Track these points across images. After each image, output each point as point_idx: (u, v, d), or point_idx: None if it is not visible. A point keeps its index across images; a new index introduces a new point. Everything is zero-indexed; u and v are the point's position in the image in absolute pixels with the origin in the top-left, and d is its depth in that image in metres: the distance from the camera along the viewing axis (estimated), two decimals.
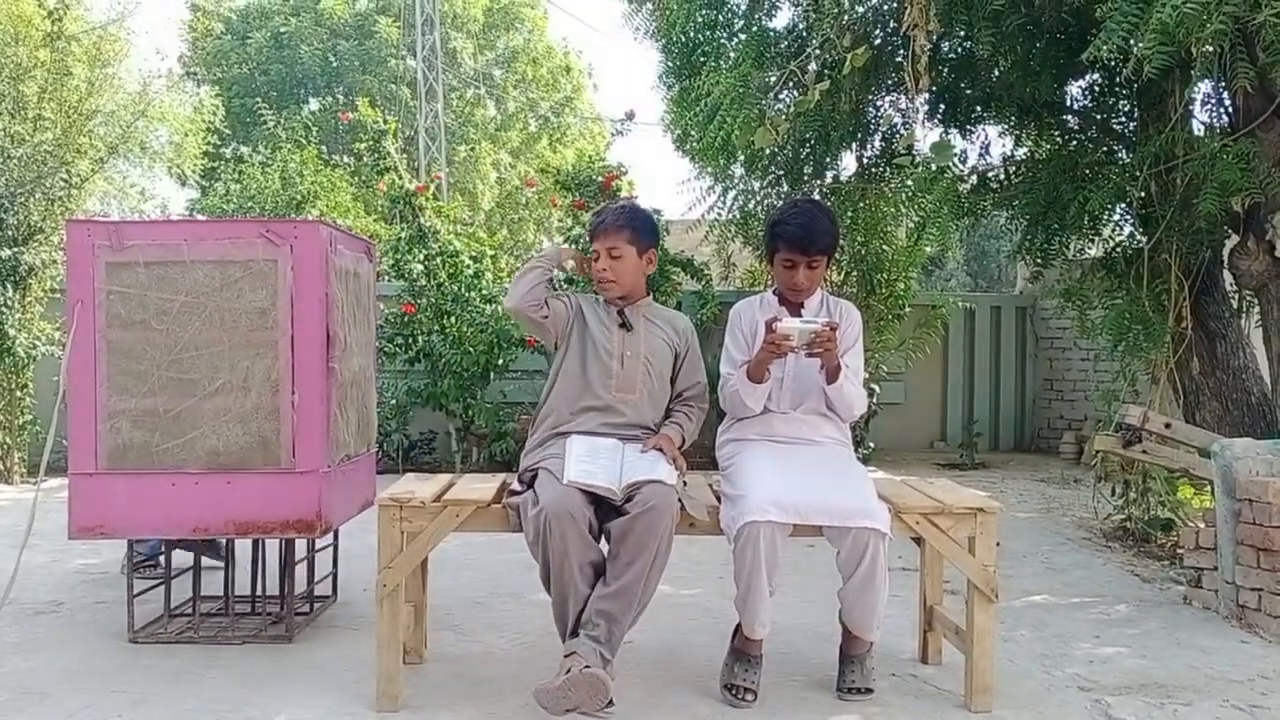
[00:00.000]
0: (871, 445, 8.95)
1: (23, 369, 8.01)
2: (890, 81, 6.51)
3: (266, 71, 22.47)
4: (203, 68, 21.86)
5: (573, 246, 3.29)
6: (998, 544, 3.17)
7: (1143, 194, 5.63)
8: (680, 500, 3.06)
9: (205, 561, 4.23)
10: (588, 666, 2.78)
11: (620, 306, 3.41)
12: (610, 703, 2.82)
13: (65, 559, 5.05)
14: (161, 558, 4.00)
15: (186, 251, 3.55)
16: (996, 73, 6.09)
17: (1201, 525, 4.41)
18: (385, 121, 8.88)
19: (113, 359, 3.54)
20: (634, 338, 3.34)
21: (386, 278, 8.82)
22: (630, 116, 10.09)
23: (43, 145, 7.83)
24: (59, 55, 7.97)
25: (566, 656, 2.86)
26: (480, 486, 3.36)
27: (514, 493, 3.18)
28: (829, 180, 7.50)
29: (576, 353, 3.37)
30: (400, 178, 8.64)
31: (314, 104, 22.86)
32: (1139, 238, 6.17)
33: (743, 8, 6.57)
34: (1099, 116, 6.49)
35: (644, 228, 3.38)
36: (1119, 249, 6.38)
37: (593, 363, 3.32)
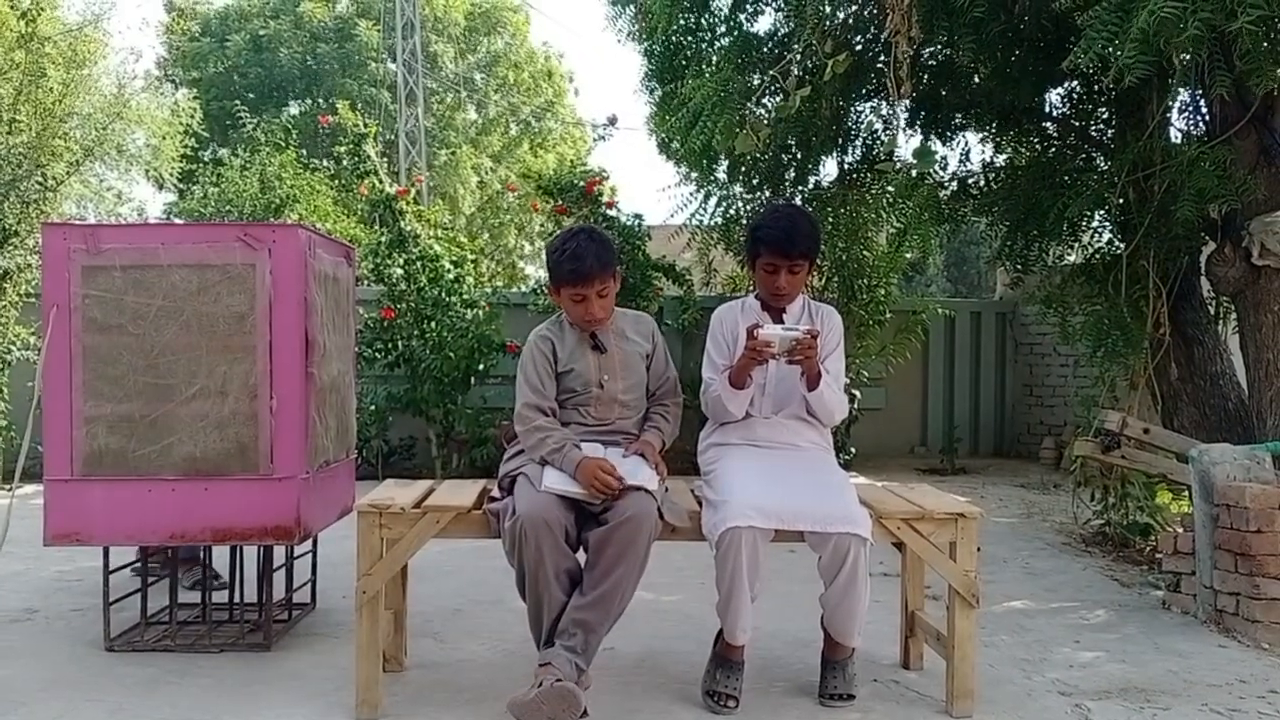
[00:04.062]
0: (853, 450, 8.97)
1: None
2: (871, 88, 6.54)
3: (245, 74, 22.33)
4: (181, 70, 21.73)
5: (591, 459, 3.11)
6: (978, 549, 3.18)
7: (1121, 201, 5.66)
8: (660, 508, 3.05)
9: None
10: (559, 680, 2.77)
11: (591, 330, 3.30)
12: (584, 713, 2.81)
13: (40, 566, 4.99)
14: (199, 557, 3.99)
15: (163, 255, 3.52)
16: (977, 80, 6.12)
17: (1180, 530, 4.44)
18: (365, 125, 8.84)
19: (88, 364, 3.51)
20: (609, 359, 3.29)
21: (366, 282, 8.78)
22: (613, 121, 10.15)
23: (17, 148, 7.75)
24: (34, 57, 7.89)
25: (541, 666, 2.86)
26: (460, 493, 3.34)
27: (494, 499, 3.17)
28: (810, 186, 7.52)
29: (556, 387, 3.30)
30: (380, 181, 8.60)
31: (293, 107, 22.73)
32: (1117, 244, 6.21)
33: (724, 12, 6.58)
34: (1078, 124, 6.53)
35: (614, 256, 3.27)
36: (1098, 255, 6.42)
37: (571, 396, 3.27)
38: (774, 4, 6.54)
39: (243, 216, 11.32)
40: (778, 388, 3.35)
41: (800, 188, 7.46)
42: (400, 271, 8.34)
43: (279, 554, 4.04)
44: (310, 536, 3.84)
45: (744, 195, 7.78)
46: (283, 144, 12.93)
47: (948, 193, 6.95)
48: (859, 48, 6.04)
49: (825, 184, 7.58)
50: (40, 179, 7.86)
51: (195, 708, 3.12)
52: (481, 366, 8.32)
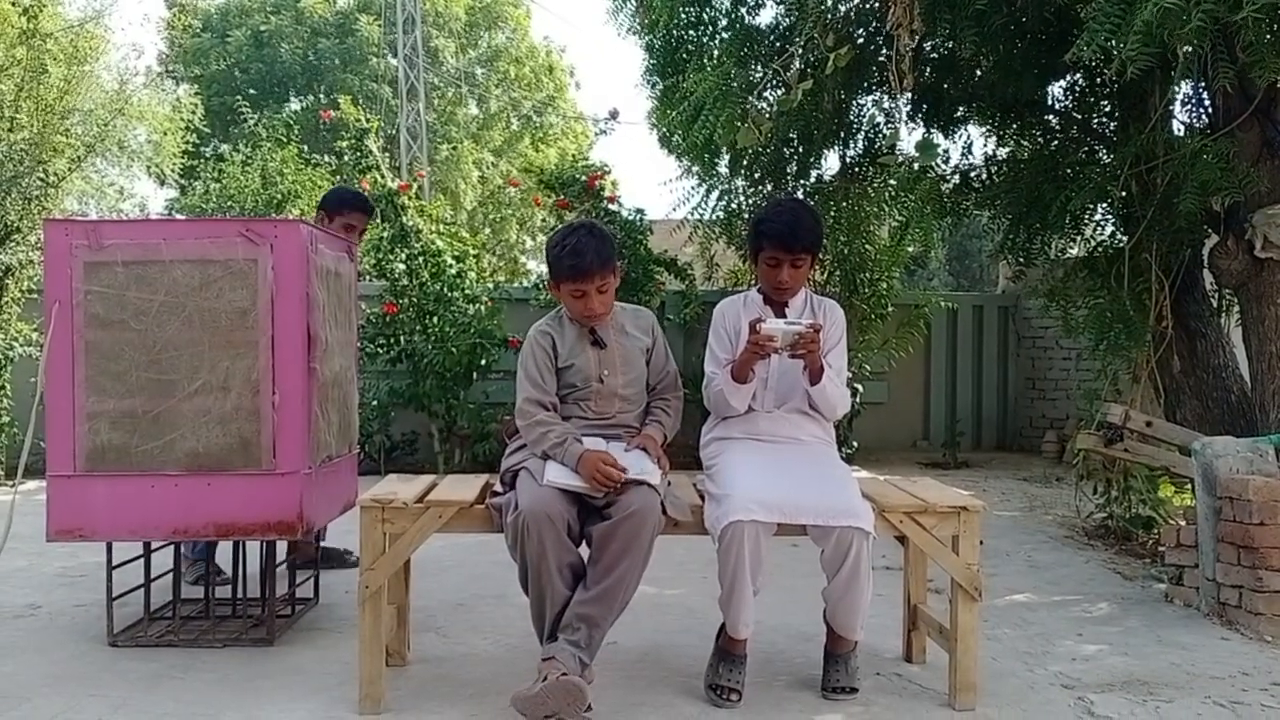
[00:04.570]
0: (855, 445, 8.97)
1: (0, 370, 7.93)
2: (873, 81, 6.53)
3: (246, 70, 22.34)
4: (182, 66, 21.72)
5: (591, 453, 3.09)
6: (981, 542, 3.18)
7: (1124, 194, 5.66)
8: (663, 502, 3.05)
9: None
10: (564, 674, 2.78)
11: (591, 325, 3.30)
12: (589, 707, 2.81)
13: (43, 562, 5.00)
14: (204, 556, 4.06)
15: (165, 251, 3.52)
16: (979, 73, 6.11)
17: (1182, 523, 4.43)
18: (366, 120, 8.83)
19: (91, 360, 3.50)
20: (608, 354, 3.29)
21: (368, 277, 8.78)
22: (614, 115, 10.14)
23: (18, 144, 7.75)
24: (35, 53, 7.89)
25: (545, 661, 2.86)
26: (463, 487, 3.34)
27: (496, 494, 3.17)
28: (812, 180, 7.51)
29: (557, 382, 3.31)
30: (382, 176, 8.60)
31: (295, 103, 22.73)
32: (1120, 237, 6.21)
33: (726, 6, 6.57)
34: (1080, 116, 6.52)
35: (614, 252, 3.27)
36: (1100, 248, 6.42)
37: (571, 391, 3.27)
38: None
39: (244, 212, 11.32)
40: (780, 382, 3.35)
41: (802, 181, 7.46)
42: (402, 267, 8.34)
43: (282, 549, 4.05)
44: (313, 531, 3.85)
45: (746, 189, 7.78)
46: (284, 139, 12.92)
47: (950, 186, 6.95)
48: (861, 41, 6.03)
49: (827, 178, 7.58)
50: (42, 175, 7.86)
51: (198, 703, 3.12)
52: (484, 361, 8.32)
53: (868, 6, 5.97)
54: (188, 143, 10.01)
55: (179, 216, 13.16)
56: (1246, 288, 5.29)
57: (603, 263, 3.18)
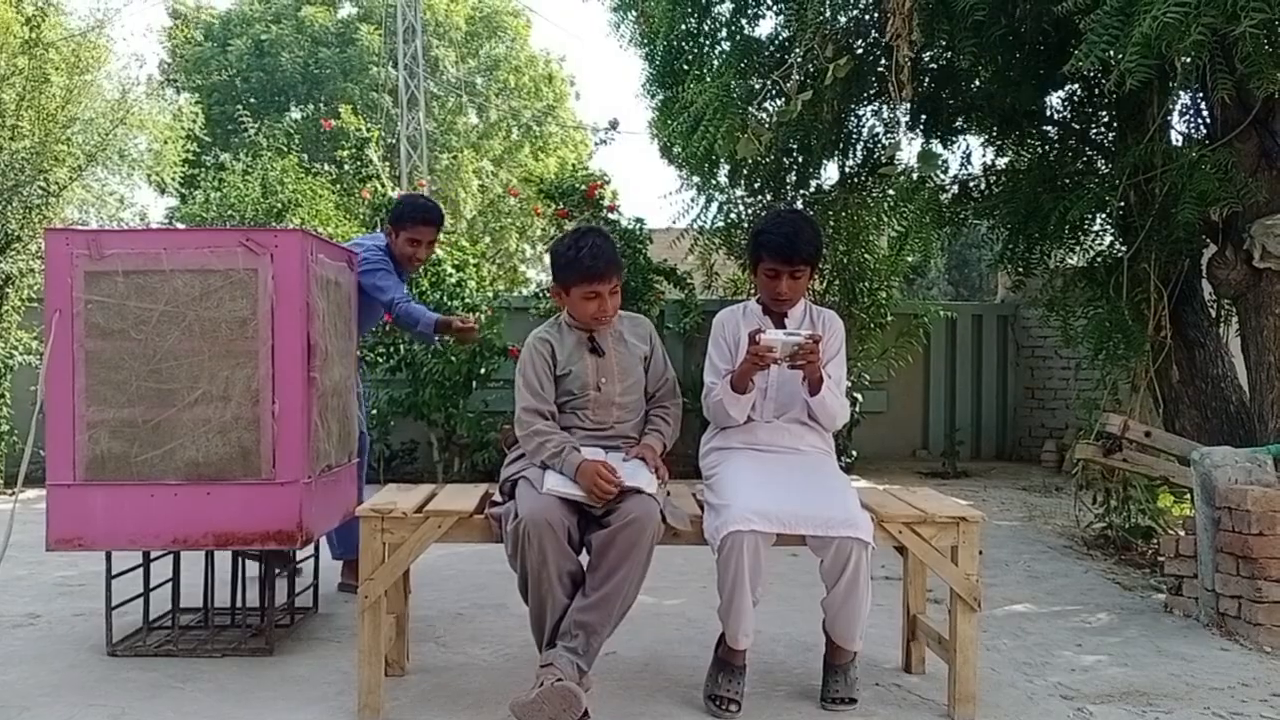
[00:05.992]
0: (854, 454, 8.97)
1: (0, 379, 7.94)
2: (872, 91, 6.54)
3: (247, 79, 22.36)
4: (183, 75, 21.75)
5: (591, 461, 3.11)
6: (980, 553, 3.18)
7: (1122, 204, 5.67)
8: (662, 511, 3.05)
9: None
10: (560, 680, 2.78)
11: (589, 331, 3.33)
12: (585, 715, 2.82)
13: (43, 571, 5.00)
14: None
15: (166, 260, 3.53)
16: (977, 83, 6.13)
17: (1181, 533, 4.43)
18: (367, 129, 8.85)
19: (91, 369, 3.51)
20: (606, 362, 3.30)
21: None
22: (614, 125, 10.15)
23: (20, 153, 7.76)
24: (37, 62, 7.91)
25: (542, 667, 2.86)
26: (462, 497, 3.35)
27: (495, 503, 3.17)
28: (811, 190, 7.53)
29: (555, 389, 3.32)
30: (382, 185, 8.61)
31: (295, 112, 22.75)
32: (1119, 247, 6.21)
33: (726, 16, 6.58)
34: (1078, 127, 6.53)
35: (620, 257, 3.32)
36: (1099, 258, 6.42)
37: (569, 399, 3.29)
38: (775, 8, 6.55)
39: (245, 221, 11.32)
40: (779, 392, 3.36)
41: (801, 191, 7.47)
42: None
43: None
44: (312, 540, 3.85)
45: (745, 199, 7.79)
46: (285, 148, 12.94)
47: (949, 196, 6.96)
48: (860, 51, 6.05)
49: (826, 188, 7.59)
50: (43, 184, 7.87)
51: (198, 712, 3.12)
52: (483, 370, 8.32)
53: (867, 17, 5.99)
54: (188, 152, 10.01)
55: (179, 226, 13.17)
56: (1245, 298, 5.30)
57: (617, 265, 3.26)
